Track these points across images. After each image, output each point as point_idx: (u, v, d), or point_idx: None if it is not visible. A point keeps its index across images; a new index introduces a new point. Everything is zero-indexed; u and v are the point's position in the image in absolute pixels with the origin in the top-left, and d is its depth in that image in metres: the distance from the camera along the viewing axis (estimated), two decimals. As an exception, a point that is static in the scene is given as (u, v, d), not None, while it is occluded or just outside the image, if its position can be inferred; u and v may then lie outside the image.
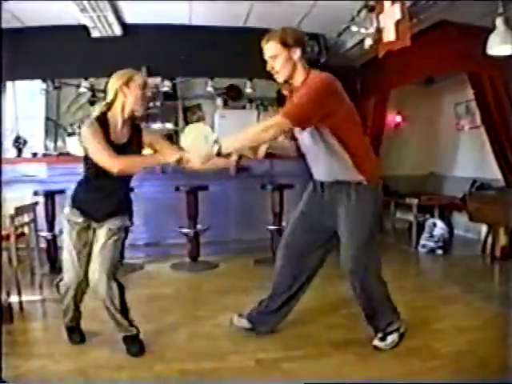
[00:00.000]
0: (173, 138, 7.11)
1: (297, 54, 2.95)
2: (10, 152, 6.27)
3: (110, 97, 3.04)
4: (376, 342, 3.21)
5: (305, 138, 3.08)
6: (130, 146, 3.09)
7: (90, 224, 3.11)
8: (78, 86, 6.99)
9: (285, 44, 2.93)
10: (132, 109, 3.04)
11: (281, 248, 3.41)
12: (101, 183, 3.06)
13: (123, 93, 3.00)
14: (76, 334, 3.35)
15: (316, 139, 3.00)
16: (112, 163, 2.87)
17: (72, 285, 3.14)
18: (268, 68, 3.05)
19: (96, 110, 7.66)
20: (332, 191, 3.13)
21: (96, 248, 3.07)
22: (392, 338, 3.21)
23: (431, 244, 6.31)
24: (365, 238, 3.10)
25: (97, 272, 3.02)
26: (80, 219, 3.08)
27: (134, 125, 3.16)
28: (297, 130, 3.07)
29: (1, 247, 3.84)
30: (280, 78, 3.04)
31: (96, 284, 3.04)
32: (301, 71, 3.00)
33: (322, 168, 3.16)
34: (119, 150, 2.96)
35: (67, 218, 3.11)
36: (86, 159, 3.04)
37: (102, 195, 3.10)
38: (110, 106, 3.05)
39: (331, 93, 2.89)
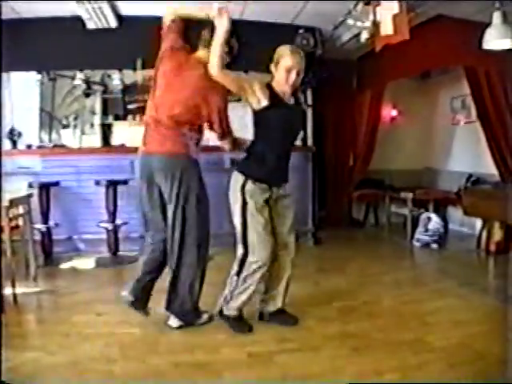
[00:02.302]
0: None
1: None
2: (4, 144, 6.24)
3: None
4: None
5: None
6: None
7: None
8: (73, 78, 6.95)
9: None
10: (280, 88, 3.27)
11: None
12: None
13: (273, 72, 3.30)
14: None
15: None
16: None
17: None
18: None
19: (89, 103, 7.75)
20: None
21: None
22: None
23: (426, 238, 6.32)
24: None
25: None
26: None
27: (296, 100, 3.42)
28: None
29: (0, 239, 3.84)
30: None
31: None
32: None
33: None
34: None
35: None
36: None
37: None
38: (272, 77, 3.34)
39: None
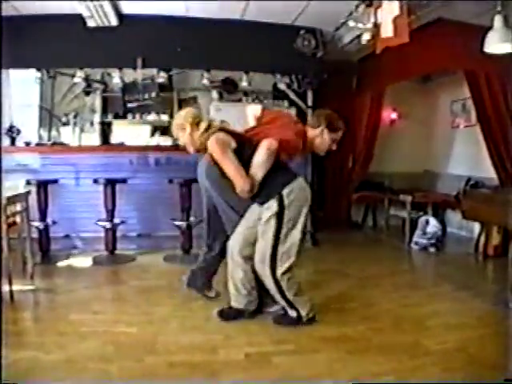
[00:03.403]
0: (168, 130, 7.06)
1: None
2: (3, 141, 6.22)
3: None
4: None
5: None
6: None
7: None
8: (73, 76, 6.93)
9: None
10: None
11: None
12: None
13: None
14: None
15: None
16: None
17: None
18: None
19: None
20: None
21: None
22: None
23: (424, 241, 6.31)
24: None
25: None
26: None
27: None
28: None
29: (0, 236, 3.82)
30: None
31: None
32: None
33: None
34: None
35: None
36: None
37: None
38: None
39: None
